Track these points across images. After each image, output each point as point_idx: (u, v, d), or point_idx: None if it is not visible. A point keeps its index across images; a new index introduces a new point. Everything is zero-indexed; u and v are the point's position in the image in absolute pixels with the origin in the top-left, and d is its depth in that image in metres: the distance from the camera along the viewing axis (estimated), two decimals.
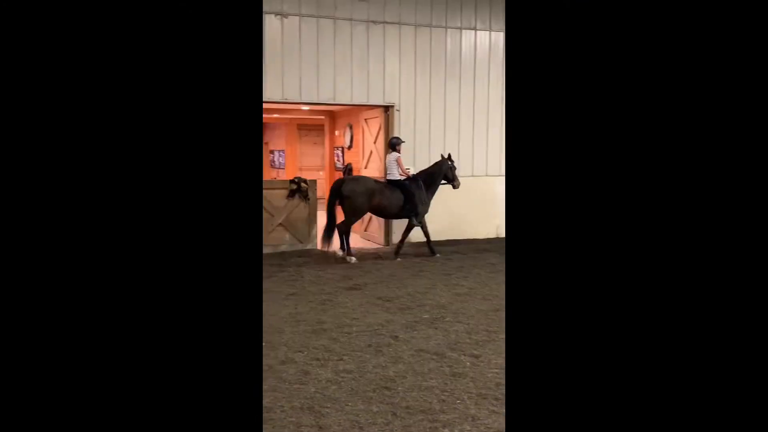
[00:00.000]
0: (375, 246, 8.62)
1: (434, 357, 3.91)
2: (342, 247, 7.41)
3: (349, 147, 10.22)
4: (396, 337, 4.32)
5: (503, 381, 3.50)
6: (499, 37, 8.87)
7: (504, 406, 3.15)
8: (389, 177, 7.54)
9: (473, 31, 8.72)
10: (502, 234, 8.87)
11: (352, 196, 7.19)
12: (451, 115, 8.77)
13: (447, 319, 4.81)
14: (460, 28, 8.63)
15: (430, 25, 8.45)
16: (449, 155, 7.88)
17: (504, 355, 3.94)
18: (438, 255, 7.59)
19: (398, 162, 7.46)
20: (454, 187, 7.82)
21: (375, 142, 8.77)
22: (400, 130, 8.43)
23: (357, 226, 9.67)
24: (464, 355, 3.96)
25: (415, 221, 7.48)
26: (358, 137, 9.58)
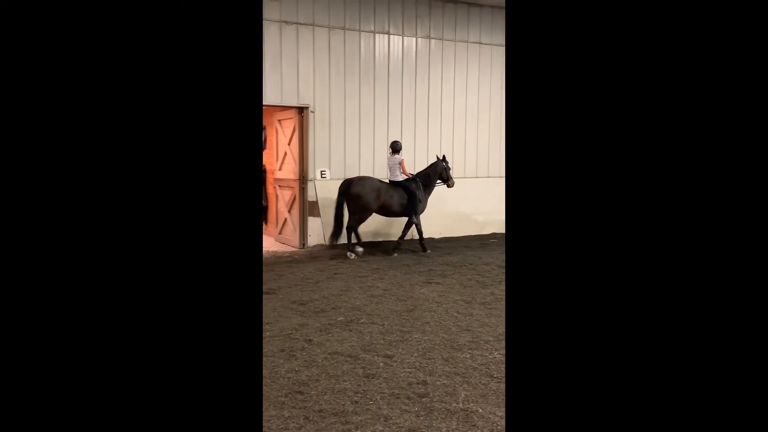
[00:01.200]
0: (290, 249, 8.51)
1: (348, 359, 3.91)
2: (357, 245, 7.77)
3: (263, 148, 10.04)
4: (310, 341, 4.28)
5: (415, 380, 3.55)
6: (412, 42, 9.02)
7: (415, 405, 3.21)
8: (392, 178, 7.93)
9: (387, 36, 8.82)
10: (416, 235, 9.01)
11: (362, 195, 7.51)
12: (365, 118, 8.82)
13: (362, 320, 4.82)
14: (374, 32, 8.71)
15: (344, 28, 8.46)
16: (443, 156, 8.27)
17: (416, 354, 4.02)
18: (429, 251, 7.99)
19: (401, 164, 7.86)
20: (449, 186, 8.25)
21: (289, 144, 8.66)
22: (314, 132, 8.39)
23: (272, 230, 9.51)
24: (378, 356, 3.99)
25: (414, 219, 7.88)
26: (272, 138, 9.42)
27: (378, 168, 8.96)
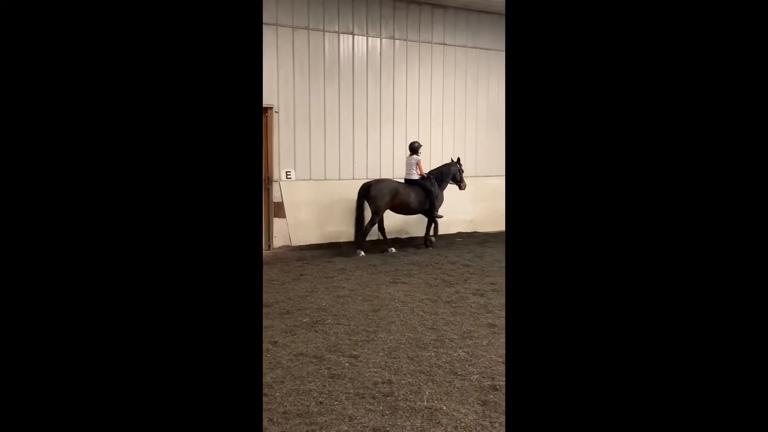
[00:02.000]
0: None
1: (313, 360, 3.90)
2: (362, 248, 7.90)
3: None
4: (275, 343, 4.25)
5: (381, 379, 3.57)
6: (377, 43, 9.04)
7: (380, 404, 3.22)
8: (408, 177, 8.30)
9: (351, 36, 8.82)
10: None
11: (378, 196, 7.84)
12: (331, 118, 8.79)
13: (327, 321, 4.81)
14: (338, 33, 8.70)
15: (307, 28, 8.42)
16: (458, 159, 8.72)
17: (381, 353, 4.03)
18: (434, 243, 8.41)
19: (418, 164, 8.25)
20: (461, 188, 8.66)
21: None
22: (279, 132, 8.33)
23: None
24: (343, 356, 3.98)
25: (435, 214, 8.28)
26: None
27: (343, 168, 8.95)
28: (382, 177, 8.81)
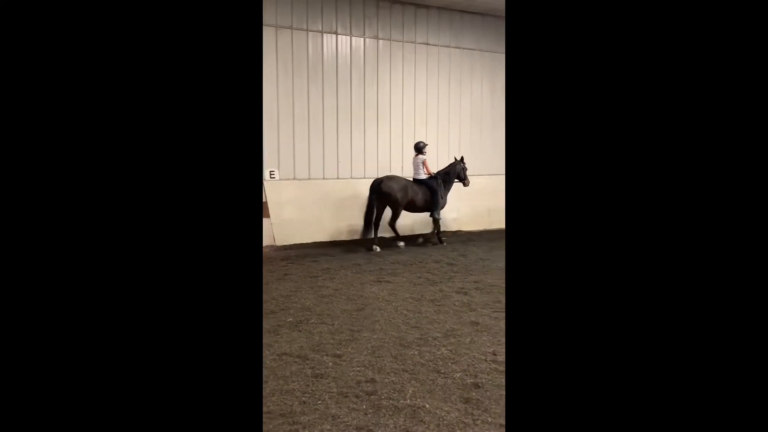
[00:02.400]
0: None
1: (297, 360, 3.90)
2: (398, 239, 8.48)
3: None
4: None
5: (364, 378, 3.58)
6: (360, 42, 9.05)
7: (363, 403, 3.23)
8: (415, 176, 8.53)
9: (334, 35, 8.82)
10: (358, 236, 9.06)
11: (391, 193, 8.09)
12: (315, 118, 8.79)
13: (311, 321, 4.81)
14: (321, 32, 8.69)
15: (291, 28, 8.41)
16: (462, 158, 8.92)
17: (365, 353, 4.05)
18: (444, 244, 8.64)
19: (424, 164, 8.48)
20: (465, 185, 8.95)
21: None
22: (263, 132, 8.30)
23: None
24: (327, 355, 3.99)
25: (435, 214, 8.52)
26: None
27: (327, 167, 8.95)
28: (378, 175, 8.83)
